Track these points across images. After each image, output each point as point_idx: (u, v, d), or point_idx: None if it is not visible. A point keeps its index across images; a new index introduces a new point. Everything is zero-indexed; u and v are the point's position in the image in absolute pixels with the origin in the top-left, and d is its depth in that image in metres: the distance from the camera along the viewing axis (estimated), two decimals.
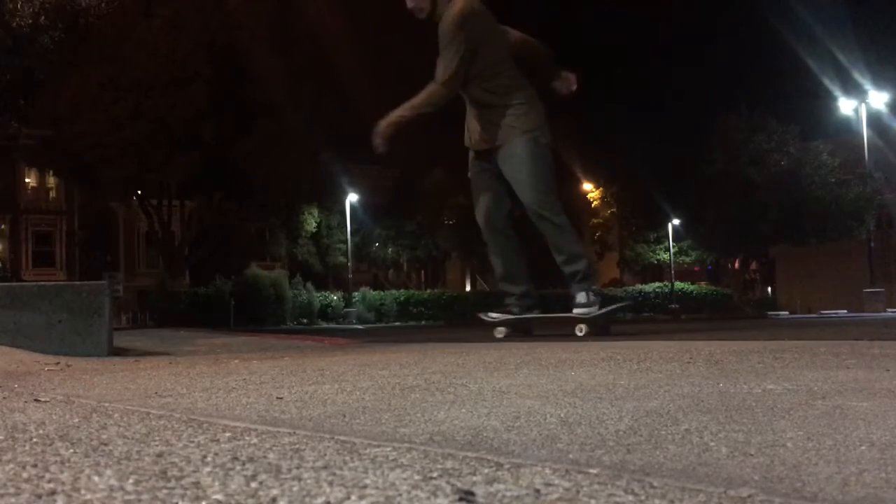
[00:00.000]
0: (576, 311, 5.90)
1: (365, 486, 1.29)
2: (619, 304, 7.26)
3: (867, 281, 34.94)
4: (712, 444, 1.69)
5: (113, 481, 1.38)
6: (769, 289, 47.47)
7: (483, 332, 7.78)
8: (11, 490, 1.31)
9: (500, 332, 6.32)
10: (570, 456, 1.61)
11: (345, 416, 2.52)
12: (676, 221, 41.45)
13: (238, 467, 1.51)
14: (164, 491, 1.29)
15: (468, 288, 43.70)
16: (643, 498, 1.19)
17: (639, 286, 41.20)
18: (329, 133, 28.00)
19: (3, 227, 35.98)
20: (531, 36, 6.75)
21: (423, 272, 44.69)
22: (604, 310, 5.95)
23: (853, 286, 36.39)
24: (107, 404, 3.01)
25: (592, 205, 46.32)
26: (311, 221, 37.67)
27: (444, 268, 45.17)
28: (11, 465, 1.59)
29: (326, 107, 26.84)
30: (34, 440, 1.91)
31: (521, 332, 6.38)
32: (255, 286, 28.45)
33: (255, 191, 28.27)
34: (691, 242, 43.21)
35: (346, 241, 36.83)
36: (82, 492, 1.30)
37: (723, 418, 2.02)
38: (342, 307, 31.93)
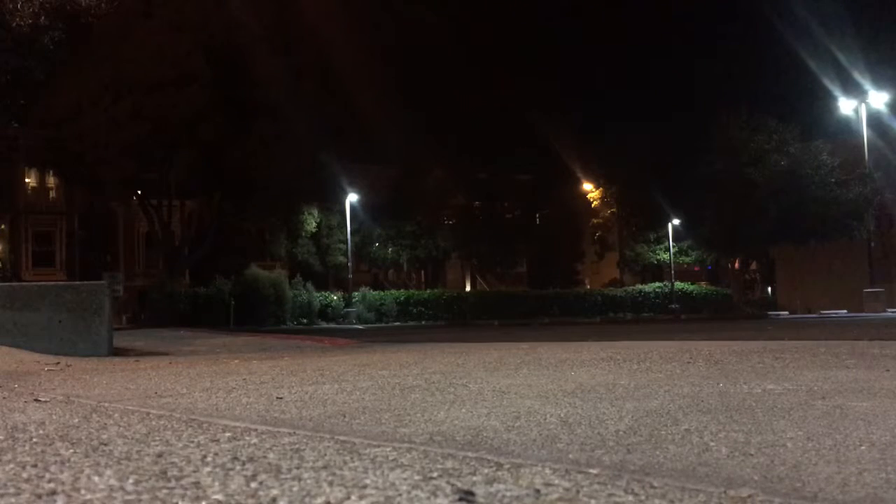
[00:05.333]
0: None
1: (365, 486, 1.29)
2: None
3: (867, 281, 34.93)
4: (712, 444, 1.69)
5: (113, 481, 1.38)
6: (769, 289, 47.44)
7: (480, 332, 7.83)
8: (11, 490, 1.31)
9: None
10: (570, 456, 1.61)
11: (345, 416, 2.52)
12: (676, 221, 41.42)
13: (238, 467, 1.51)
14: (164, 491, 1.29)
15: (468, 288, 43.65)
16: (643, 498, 1.19)
17: (639, 286, 41.19)
18: (329, 133, 27.98)
19: (3, 227, 35.95)
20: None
21: (423, 272, 44.64)
22: None
23: (853, 286, 36.37)
24: (107, 404, 3.00)
25: (592, 205, 46.27)
26: (311, 221, 37.65)
27: (444, 268, 45.12)
28: (11, 465, 1.58)
29: (326, 107, 26.82)
30: (34, 440, 1.91)
31: None
32: (255, 286, 28.44)
33: (255, 191, 28.25)
34: (691, 242, 43.18)
35: (346, 241, 36.81)
36: (82, 492, 1.30)
37: (723, 418, 2.02)
38: (342, 307, 31.92)
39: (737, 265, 44.99)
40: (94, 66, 25.07)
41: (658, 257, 44.15)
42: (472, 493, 1.23)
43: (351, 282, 35.06)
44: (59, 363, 6.71)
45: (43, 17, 25.84)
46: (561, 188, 43.95)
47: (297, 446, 1.77)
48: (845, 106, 37.32)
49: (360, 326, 27.95)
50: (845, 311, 34.95)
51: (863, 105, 36.40)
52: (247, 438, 1.91)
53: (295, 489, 1.33)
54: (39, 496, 1.29)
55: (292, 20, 26.91)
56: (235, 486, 1.36)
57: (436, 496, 1.25)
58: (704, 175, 38.87)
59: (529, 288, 42.43)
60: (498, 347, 6.81)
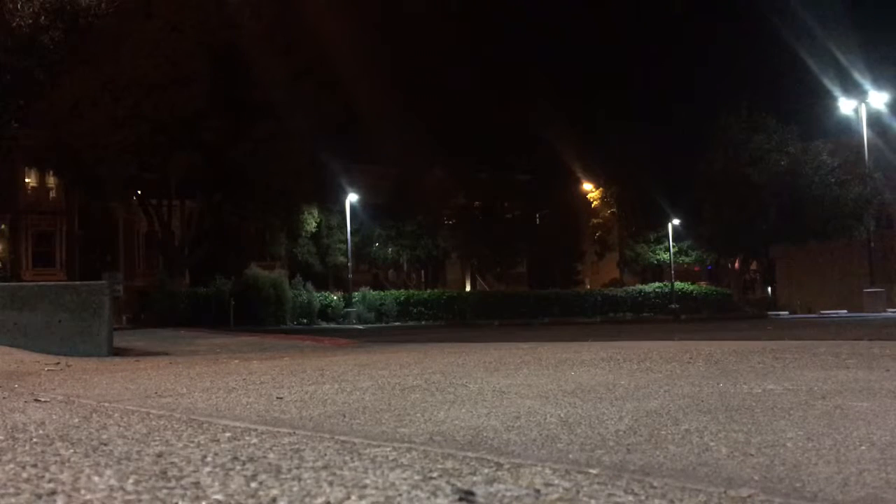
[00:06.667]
0: None
1: (365, 486, 1.29)
2: None
3: (867, 281, 34.94)
4: (712, 444, 1.69)
5: (113, 481, 1.38)
6: (769, 289, 47.46)
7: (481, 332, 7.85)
8: (11, 490, 1.31)
9: None
10: (570, 456, 1.61)
11: (345, 416, 2.52)
12: (676, 221, 41.43)
13: (238, 467, 1.51)
14: (164, 491, 1.29)
15: (468, 288, 43.66)
16: (643, 498, 1.19)
17: (639, 286, 41.19)
18: (329, 133, 27.96)
19: (3, 227, 35.95)
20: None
21: (423, 272, 44.65)
22: None
23: (853, 286, 36.38)
24: (107, 404, 3.01)
25: (592, 205, 46.29)
26: (311, 221, 37.65)
27: (444, 268, 45.13)
28: (11, 465, 1.58)
29: (326, 107, 26.81)
30: (34, 440, 1.91)
31: None
32: (255, 286, 28.43)
33: (255, 191, 28.24)
34: (691, 242, 43.20)
35: (346, 241, 36.81)
36: (82, 492, 1.30)
37: (723, 418, 2.02)
38: (342, 307, 31.92)
39: (737, 265, 45.00)
40: (94, 66, 25.06)
41: (658, 257, 44.16)
42: (472, 493, 1.23)
43: (351, 282, 35.06)
44: (59, 363, 6.71)
45: (43, 17, 25.82)
46: (561, 188, 43.93)
47: (297, 446, 1.77)
48: (845, 106, 37.33)
49: (360, 326, 27.93)
50: (845, 311, 34.96)
51: (863, 105, 36.41)
52: (247, 438, 1.91)
53: (295, 489, 1.33)
54: (39, 496, 1.29)
55: (292, 20, 26.90)
56: (235, 486, 1.36)
57: (436, 496, 1.25)
58: (704, 175, 38.88)
59: (529, 288, 42.41)
60: (498, 347, 6.82)
